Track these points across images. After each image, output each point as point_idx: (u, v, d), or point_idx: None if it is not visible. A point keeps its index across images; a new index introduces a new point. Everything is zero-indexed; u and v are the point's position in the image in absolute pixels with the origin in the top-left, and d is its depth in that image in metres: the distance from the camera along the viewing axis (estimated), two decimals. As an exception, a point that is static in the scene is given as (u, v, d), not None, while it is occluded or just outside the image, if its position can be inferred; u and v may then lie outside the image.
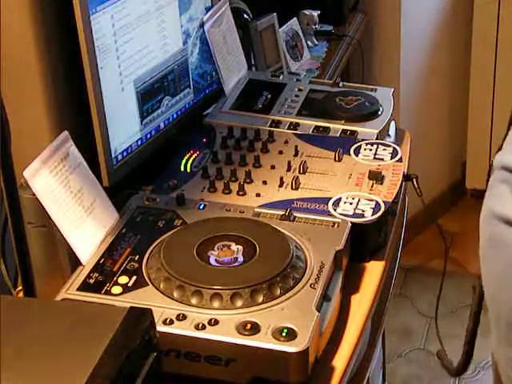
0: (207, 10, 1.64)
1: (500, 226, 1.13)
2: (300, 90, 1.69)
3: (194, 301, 1.09)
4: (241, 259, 1.16)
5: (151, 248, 1.20)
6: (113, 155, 1.39)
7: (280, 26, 2.10)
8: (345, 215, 1.29)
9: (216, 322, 1.06)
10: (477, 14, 2.99)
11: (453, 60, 3.05)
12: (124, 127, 1.41)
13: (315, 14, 2.31)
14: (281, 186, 1.38)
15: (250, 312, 1.08)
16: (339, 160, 1.44)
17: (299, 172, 1.40)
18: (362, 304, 1.24)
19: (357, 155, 1.45)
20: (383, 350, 1.83)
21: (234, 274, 1.13)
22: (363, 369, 1.34)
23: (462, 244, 3.04)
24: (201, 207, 1.30)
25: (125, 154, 1.42)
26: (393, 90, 1.69)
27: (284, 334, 1.04)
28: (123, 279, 1.14)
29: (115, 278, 1.14)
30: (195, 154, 1.47)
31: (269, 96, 1.67)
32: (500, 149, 1.20)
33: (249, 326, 1.05)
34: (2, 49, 1.26)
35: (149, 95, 1.46)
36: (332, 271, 1.19)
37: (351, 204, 1.32)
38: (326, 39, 2.38)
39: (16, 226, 1.15)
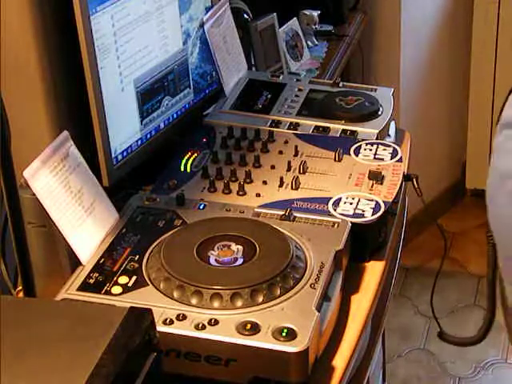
0: (207, 9, 1.64)
1: None
2: (300, 90, 1.69)
3: (194, 301, 1.09)
4: (241, 259, 1.16)
5: (151, 248, 1.20)
6: (113, 155, 1.39)
7: (280, 26, 2.10)
8: (345, 215, 1.29)
9: (216, 322, 1.06)
10: (477, 14, 2.99)
11: (453, 60, 3.05)
12: (124, 127, 1.41)
13: (315, 13, 2.31)
14: (281, 186, 1.38)
15: (249, 312, 1.08)
16: (339, 160, 1.44)
17: (299, 172, 1.40)
18: (361, 304, 1.24)
19: (357, 155, 1.45)
20: (383, 349, 1.82)
21: (234, 273, 1.13)
22: (363, 369, 1.34)
23: (462, 244, 3.04)
24: (201, 207, 1.30)
25: (125, 153, 1.42)
26: (393, 90, 1.69)
27: (284, 334, 1.04)
28: (123, 279, 1.14)
29: (115, 278, 1.14)
30: (195, 154, 1.47)
31: (269, 96, 1.67)
32: (502, 109, 1.18)
33: (249, 325, 1.05)
34: (2, 49, 1.26)
35: (149, 95, 1.46)
36: (332, 271, 1.19)
37: (351, 204, 1.32)
38: (326, 39, 2.38)
39: (16, 225, 1.15)
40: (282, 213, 1.28)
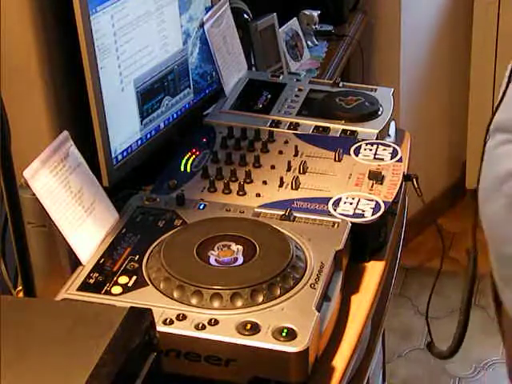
0: (207, 10, 1.64)
1: None
2: (300, 90, 1.69)
3: (194, 301, 1.09)
4: (241, 259, 1.16)
5: (151, 248, 1.20)
6: (113, 155, 1.39)
7: (280, 26, 2.10)
8: (345, 215, 1.29)
9: (216, 322, 1.06)
10: (477, 14, 2.99)
11: (453, 60, 3.05)
12: (124, 127, 1.41)
13: (315, 14, 2.31)
14: (281, 186, 1.38)
15: (250, 312, 1.08)
16: (339, 160, 1.44)
17: (299, 172, 1.40)
18: (362, 304, 1.24)
19: (357, 155, 1.45)
20: (383, 350, 1.82)
21: (234, 273, 1.13)
22: (363, 369, 1.34)
23: (462, 244, 3.04)
24: (201, 207, 1.30)
25: (125, 153, 1.42)
26: (393, 90, 1.69)
27: (284, 334, 1.04)
28: (123, 279, 1.14)
29: (115, 278, 1.14)
30: (195, 154, 1.47)
31: (269, 96, 1.67)
32: (494, 114, 1.18)
33: (249, 326, 1.05)
34: (2, 49, 1.26)
35: (149, 95, 1.46)
36: (332, 271, 1.19)
37: (351, 204, 1.32)
38: (326, 39, 2.38)
39: (16, 225, 1.15)
40: (281, 213, 1.28)
